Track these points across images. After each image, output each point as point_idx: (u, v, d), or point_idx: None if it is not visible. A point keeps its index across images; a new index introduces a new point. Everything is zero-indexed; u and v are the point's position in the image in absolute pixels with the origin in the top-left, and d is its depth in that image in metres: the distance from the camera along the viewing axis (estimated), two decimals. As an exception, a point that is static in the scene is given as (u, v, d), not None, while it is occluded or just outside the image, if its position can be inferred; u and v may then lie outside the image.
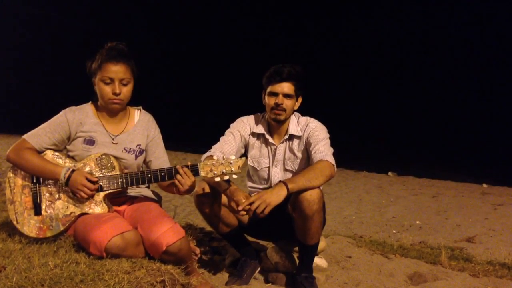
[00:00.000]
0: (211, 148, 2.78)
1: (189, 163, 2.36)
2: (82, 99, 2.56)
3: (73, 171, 2.28)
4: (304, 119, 2.91)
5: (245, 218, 2.86)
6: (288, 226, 2.68)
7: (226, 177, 2.34)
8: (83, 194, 2.27)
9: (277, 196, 2.38)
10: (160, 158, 2.61)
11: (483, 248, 4.80)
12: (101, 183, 2.33)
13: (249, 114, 3.00)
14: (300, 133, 2.85)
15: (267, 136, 2.89)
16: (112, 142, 2.47)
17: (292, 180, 2.47)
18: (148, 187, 2.65)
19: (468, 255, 3.88)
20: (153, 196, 2.63)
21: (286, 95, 2.76)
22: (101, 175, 2.35)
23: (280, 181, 2.48)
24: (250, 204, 2.35)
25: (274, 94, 2.77)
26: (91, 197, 2.32)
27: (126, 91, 2.42)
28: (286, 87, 2.75)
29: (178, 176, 2.33)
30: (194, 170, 2.34)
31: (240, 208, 2.38)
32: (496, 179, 10.42)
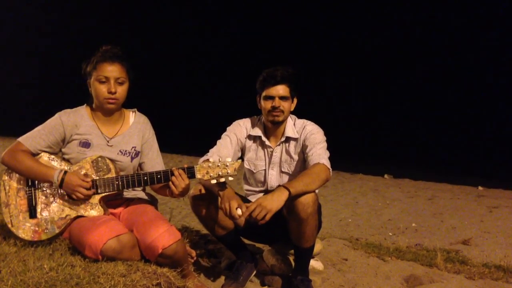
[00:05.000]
0: (208, 152, 2.78)
1: (186, 166, 2.35)
2: (78, 102, 2.55)
3: (65, 172, 2.28)
4: (301, 122, 2.91)
5: (241, 221, 2.86)
6: (284, 229, 2.68)
7: (222, 180, 2.34)
8: (79, 195, 2.26)
9: (278, 202, 2.36)
10: (154, 160, 2.60)
11: (478, 251, 4.82)
12: (97, 185, 2.33)
13: (245, 116, 3.00)
14: (296, 135, 2.85)
15: (263, 138, 2.89)
16: (108, 145, 2.46)
17: (291, 184, 2.45)
18: (143, 189, 2.65)
19: (464, 258, 3.89)
20: (149, 199, 2.62)
21: (282, 97, 2.76)
22: (97, 177, 2.34)
23: (280, 185, 2.47)
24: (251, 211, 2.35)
25: (270, 97, 2.77)
26: (87, 198, 2.31)
27: (121, 90, 2.42)
28: (282, 89, 2.76)
29: (173, 178, 2.33)
30: (191, 173, 2.34)
31: (242, 217, 2.38)
32: (492, 181, 10.47)
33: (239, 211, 2.39)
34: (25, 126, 2.61)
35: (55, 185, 2.27)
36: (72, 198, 2.30)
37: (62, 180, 2.25)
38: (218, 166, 2.32)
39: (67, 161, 2.42)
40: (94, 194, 2.32)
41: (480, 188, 10.19)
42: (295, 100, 2.89)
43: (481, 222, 6.54)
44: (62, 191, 2.32)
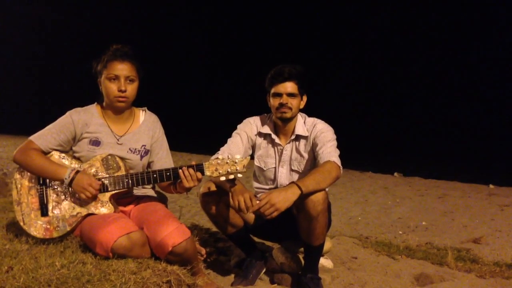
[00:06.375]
0: (219, 150, 2.79)
1: (194, 163, 2.36)
2: (88, 101, 2.57)
3: (77, 172, 2.29)
4: (311, 120, 2.90)
5: (251, 219, 2.86)
6: (294, 227, 2.67)
7: (231, 177, 2.34)
8: (88, 194, 2.27)
9: (288, 201, 2.34)
10: (162, 160, 2.60)
11: (489, 249, 4.78)
12: (107, 183, 2.34)
13: (255, 114, 3.00)
14: (306, 134, 2.84)
15: (273, 136, 2.89)
16: (117, 143, 2.47)
17: (303, 183, 2.43)
18: (153, 188, 2.66)
19: (475, 256, 3.87)
20: (158, 197, 2.63)
21: (290, 94, 2.76)
22: (106, 175, 2.36)
23: (293, 183, 2.45)
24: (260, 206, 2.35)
25: (278, 94, 2.77)
26: (95, 197, 2.32)
27: (131, 89, 2.43)
28: (290, 86, 2.76)
29: (183, 179, 2.32)
30: (200, 170, 2.34)
31: (250, 211, 2.37)
32: (503, 179, 10.34)
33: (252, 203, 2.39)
34: (37, 125, 2.63)
35: (66, 182, 2.29)
36: (80, 196, 2.32)
37: (73, 179, 2.27)
38: (227, 163, 2.32)
39: (78, 159, 2.43)
40: (104, 191, 2.34)
41: (491, 186, 10.09)
42: (305, 98, 2.88)
43: (492, 220, 6.48)
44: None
